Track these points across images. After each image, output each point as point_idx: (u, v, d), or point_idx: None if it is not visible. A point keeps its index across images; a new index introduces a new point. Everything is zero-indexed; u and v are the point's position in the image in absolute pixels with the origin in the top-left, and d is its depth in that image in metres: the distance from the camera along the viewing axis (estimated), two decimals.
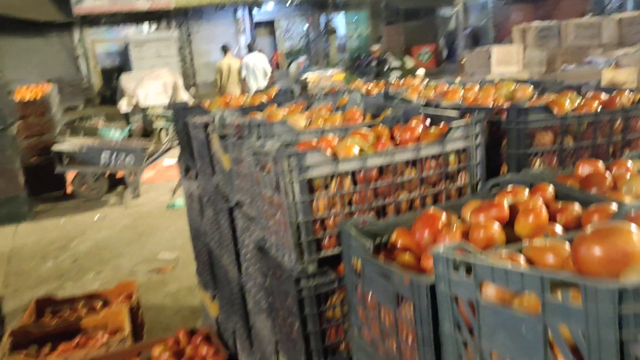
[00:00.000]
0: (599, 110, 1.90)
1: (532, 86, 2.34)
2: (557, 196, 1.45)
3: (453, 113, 1.91)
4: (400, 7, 20.22)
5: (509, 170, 1.84)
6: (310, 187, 1.62)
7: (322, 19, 20.70)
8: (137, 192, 8.02)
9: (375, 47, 12.60)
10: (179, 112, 3.12)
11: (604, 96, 2.02)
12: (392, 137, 1.92)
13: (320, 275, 1.65)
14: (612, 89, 2.11)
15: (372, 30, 21.17)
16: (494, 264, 0.94)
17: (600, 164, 1.57)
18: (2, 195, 6.97)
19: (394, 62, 14.13)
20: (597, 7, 15.19)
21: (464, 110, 1.94)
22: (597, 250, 0.93)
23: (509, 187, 1.49)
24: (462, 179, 1.78)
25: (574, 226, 1.28)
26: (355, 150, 1.69)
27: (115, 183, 8.40)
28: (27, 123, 8.20)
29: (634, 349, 0.74)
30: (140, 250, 5.78)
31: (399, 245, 1.39)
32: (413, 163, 1.72)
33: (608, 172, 1.54)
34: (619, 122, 1.89)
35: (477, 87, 2.59)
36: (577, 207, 1.33)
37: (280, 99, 3.04)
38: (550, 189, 1.45)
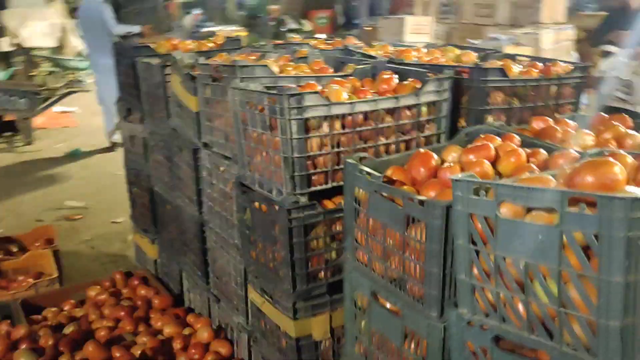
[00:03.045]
0: (539, 76, 2.21)
1: (475, 52, 2.62)
2: (522, 145, 1.72)
3: (421, 70, 2.12)
4: None
5: (467, 124, 2.10)
6: (306, 126, 1.76)
7: None
8: (29, 138, 7.52)
9: (274, 8, 12.54)
10: (124, 51, 3.04)
11: (540, 65, 2.34)
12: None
13: (310, 208, 1.81)
14: (546, 59, 2.45)
15: None
16: (514, 185, 1.16)
17: (551, 120, 1.87)
18: None
19: (292, 24, 14.21)
20: None
21: (429, 69, 2.16)
22: (590, 178, 1.18)
23: (482, 135, 1.73)
24: (430, 129, 2.01)
25: (544, 168, 1.55)
26: (345, 95, 1.85)
27: (2, 128, 7.80)
28: None
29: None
30: (44, 198, 5.51)
31: (395, 179, 1.58)
32: (391, 112, 1.92)
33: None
34: (554, 88, 2.22)
35: (424, 50, 2.82)
36: (543, 152, 1.60)
37: (228, 47, 3.07)
38: (517, 138, 1.71)
